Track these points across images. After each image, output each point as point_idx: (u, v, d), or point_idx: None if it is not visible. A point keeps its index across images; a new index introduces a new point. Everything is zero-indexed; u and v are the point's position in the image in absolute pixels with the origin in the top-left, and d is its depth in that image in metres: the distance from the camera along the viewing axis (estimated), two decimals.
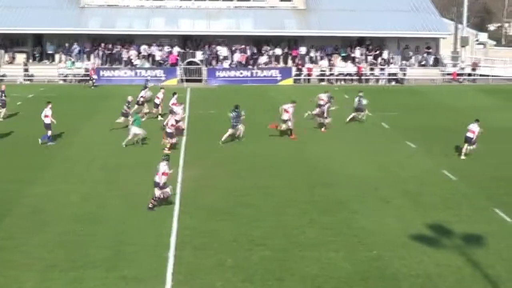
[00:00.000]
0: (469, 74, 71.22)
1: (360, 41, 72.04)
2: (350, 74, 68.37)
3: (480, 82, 69.94)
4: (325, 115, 41.09)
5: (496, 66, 75.31)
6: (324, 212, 25.14)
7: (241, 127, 37.08)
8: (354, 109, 43.49)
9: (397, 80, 68.67)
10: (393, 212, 25.33)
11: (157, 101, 45.36)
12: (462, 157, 34.30)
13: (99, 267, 19.89)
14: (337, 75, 68.09)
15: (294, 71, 67.37)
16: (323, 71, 68.53)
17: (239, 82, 64.50)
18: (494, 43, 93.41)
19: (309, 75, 68.05)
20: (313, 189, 28.29)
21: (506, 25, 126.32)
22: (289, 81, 65.79)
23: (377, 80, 68.80)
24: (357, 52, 70.53)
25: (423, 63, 71.63)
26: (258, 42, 70.64)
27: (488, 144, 37.01)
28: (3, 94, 44.54)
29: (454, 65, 73.32)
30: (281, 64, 69.33)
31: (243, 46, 69.55)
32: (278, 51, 70.09)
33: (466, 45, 76.43)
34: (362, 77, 68.19)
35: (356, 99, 43.58)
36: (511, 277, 19.35)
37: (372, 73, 69.04)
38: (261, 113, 45.10)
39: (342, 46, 71.18)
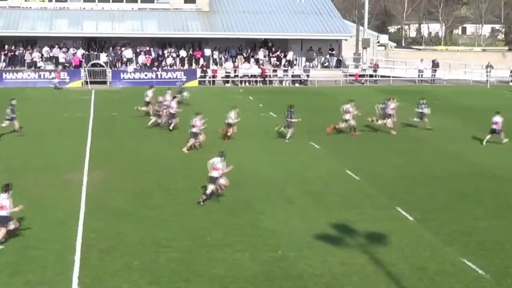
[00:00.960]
0: (371, 75, 72.58)
1: (264, 43, 72.64)
2: (254, 76, 68.82)
3: (381, 83, 71.38)
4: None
5: (396, 67, 76.91)
6: (230, 213, 25.28)
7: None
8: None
9: (300, 82, 69.46)
10: (297, 212, 25.65)
11: (147, 99, 46.05)
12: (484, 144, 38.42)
13: (3, 271, 19.57)
14: (241, 77, 68.47)
15: (199, 73, 67.43)
16: (228, 72, 68.82)
17: (144, 84, 64.14)
18: (395, 44, 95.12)
19: (214, 76, 68.24)
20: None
21: (406, 27, 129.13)
22: (194, 83, 65.81)
23: (281, 82, 69.42)
24: (261, 54, 71.08)
25: (326, 64, 72.67)
26: (163, 44, 70.51)
27: (389, 144, 37.93)
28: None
29: (356, 67, 74.59)
30: (186, 66, 69.32)
31: (147, 48, 69.29)
32: (182, 53, 70.07)
33: (368, 46, 77.81)
34: (266, 79, 68.72)
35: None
36: (414, 274, 19.80)
37: (276, 75, 69.62)
38: None
39: (246, 47, 71.64)
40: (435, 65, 75.12)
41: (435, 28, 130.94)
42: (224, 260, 20.66)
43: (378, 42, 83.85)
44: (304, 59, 72.48)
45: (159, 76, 65.58)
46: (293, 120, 39.22)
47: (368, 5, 79.87)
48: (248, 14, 72.74)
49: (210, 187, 26.53)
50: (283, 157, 34.86)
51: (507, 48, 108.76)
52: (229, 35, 69.75)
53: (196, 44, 71.39)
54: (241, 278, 19.42)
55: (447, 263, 20.69)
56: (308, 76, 70.06)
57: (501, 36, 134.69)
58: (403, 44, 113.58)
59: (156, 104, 43.73)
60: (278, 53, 71.69)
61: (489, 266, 20.44)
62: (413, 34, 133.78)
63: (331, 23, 73.07)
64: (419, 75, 74.39)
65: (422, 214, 25.55)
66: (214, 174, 26.56)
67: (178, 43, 70.43)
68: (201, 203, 26.28)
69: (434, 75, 74.64)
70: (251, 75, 68.70)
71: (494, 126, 38.68)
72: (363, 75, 72.00)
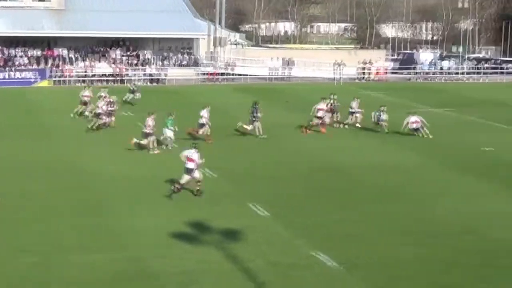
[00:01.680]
0: (226, 74, 73.27)
1: (119, 42, 72.16)
2: (111, 75, 68.26)
3: (237, 81, 72.18)
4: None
5: (250, 65, 77.95)
6: (84, 215, 25.12)
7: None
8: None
9: (156, 80, 69.40)
10: (153, 211, 25.74)
11: (86, 99, 45.65)
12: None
13: None
14: (95, 76, 67.76)
15: (51, 72, 66.27)
16: (81, 72, 67.95)
17: None
18: (249, 43, 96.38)
19: (67, 76, 67.23)
20: (71, 192, 28.15)
21: (259, 26, 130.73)
22: (46, 83, 64.64)
23: (137, 81, 69.16)
24: (116, 53, 70.58)
25: (181, 63, 72.87)
26: (15, 43, 68.90)
27: (246, 142, 38.53)
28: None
29: (211, 65, 75.15)
30: (39, 65, 67.99)
31: None
32: (35, 52, 68.70)
33: (222, 45, 78.52)
34: (121, 78, 68.30)
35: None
36: (269, 269, 20.20)
37: (131, 74, 69.29)
38: (21, 115, 44.16)
39: (100, 46, 70.97)
40: (289, 63, 76.58)
41: (288, 26, 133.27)
42: (81, 263, 20.50)
43: (233, 40, 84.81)
44: (159, 58, 72.44)
45: (9, 76, 64.03)
46: (259, 115, 40.05)
47: (222, 4, 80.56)
48: (103, 13, 72.03)
49: (185, 178, 27.29)
50: (137, 156, 34.83)
51: (356, 46, 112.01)
52: (83, 34, 69.00)
53: (50, 43, 70.12)
54: (99, 280, 19.37)
55: (300, 256, 21.31)
56: (164, 75, 70.08)
57: (350, 35, 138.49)
58: (257, 43, 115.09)
59: (106, 104, 42.59)
60: (133, 52, 71.37)
61: (340, 257, 21.16)
62: (266, 32, 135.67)
63: (186, 22, 73.38)
64: (272, 73, 75.68)
65: (275, 209, 26.17)
66: (190, 165, 27.31)
67: (30, 41, 69.01)
68: (174, 190, 27.12)
69: (290, 72, 76.11)
70: (108, 74, 68.09)
71: (414, 125, 41.20)
72: (218, 74, 72.60)
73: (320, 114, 42.42)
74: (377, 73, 78.68)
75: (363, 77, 77.61)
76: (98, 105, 41.62)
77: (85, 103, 45.90)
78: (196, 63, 73.57)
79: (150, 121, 35.94)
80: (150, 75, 69.50)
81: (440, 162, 35.30)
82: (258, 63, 78.27)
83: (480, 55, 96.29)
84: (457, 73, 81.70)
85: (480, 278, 19.99)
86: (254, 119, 40.22)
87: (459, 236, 23.56)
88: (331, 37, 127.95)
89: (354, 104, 44.80)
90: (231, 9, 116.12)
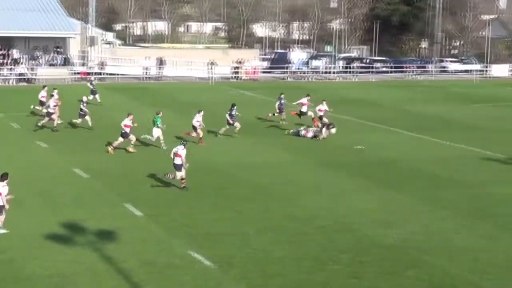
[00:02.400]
0: (98, 73, 72.37)
1: None
2: None
3: (109, 81, 71.41)
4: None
5: (123, 65, 77.25)
6: None
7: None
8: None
9: (26, 80, 67.91)
10: (26, 213, 25.20)
11: (42, 99, 46.34)
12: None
13: None
14: None
15: None
16: None
17: None
18: (121, 42, 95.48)
19: None
20: None
21: (132, 25, 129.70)
22: None
23: (6, 81, 67.51)
24: None
25: (52, 62, 71.53)
26: None
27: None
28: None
29: (83, 64, 74.07)
30: None
31: None
32: None
33: (94, 44, 77.51)
34: None
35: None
36: (144, 269, 20.11)
37: (1, 74, 67.62)
38: None
39: None
40: (161, 62, 76.31)
41: (160, 26, 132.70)
42: None
43: (105, 39, 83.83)
44: (29, 57, 70.90)
45: None
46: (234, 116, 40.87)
47: (93, 2, 79.50)
48: None
49: (179, 174, 28.62)
50: (11, 158, 34.04)
51: (228, 45, 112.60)
52: None
53: None
54: None
55: (175, 256, 21.30)
56: (34, 74, 68.62)
57: (223, 34, 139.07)
58: (129, 42, 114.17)
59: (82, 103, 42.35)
60: (2, 51, 69.58)
61: (215, 256, 21.27)
62: (138, 32, 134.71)
63: (57, 21, 72.07)
64: (145, 72, 75.28)
65: (150, 209, 26.08)
66: (177, 161, 28.50)
67: None
68: (185, 187, 28.73)
69: (161, 72, 75.82)
70: None
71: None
72: (90, 73, 71.61)
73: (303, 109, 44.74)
74: (253, 72, 79.22)
75: (236, 76, 78.05)
76: (49, 104, 41.56)
77: (42, 103, 46.26)
78: (67, 63, 72.35)
79: (127, 121, 35.98)
80: (21, 74, 67.92)
81: (313, 160, 35.89)
82: (130, 63, 77.64)
83: (352, 55, 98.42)
84: (328, 72, 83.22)
85: (352, 274, 20.43)
86: (231, 119, 40.90)
87: (331, 233, 24.02)
88: (203, 36, 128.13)
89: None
90: (103, 8, 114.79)
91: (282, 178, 31.88)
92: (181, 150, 28.63)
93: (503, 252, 22.62)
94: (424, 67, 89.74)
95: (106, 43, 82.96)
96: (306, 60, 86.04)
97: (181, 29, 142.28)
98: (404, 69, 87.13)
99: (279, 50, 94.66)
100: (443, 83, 79.37)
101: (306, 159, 36.12)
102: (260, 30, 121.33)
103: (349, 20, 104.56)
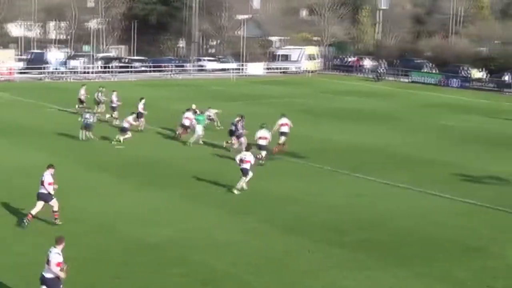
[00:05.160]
0: None
1: None
2: None
3: None
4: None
5: None
6: None
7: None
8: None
9: None
10: None
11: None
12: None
13: None
14: None
15: None
16: None
17: None
18: None
19: None
20: None
21: None
22: None
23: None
24: None
25: None
26: None
27: None
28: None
29: None
30: None
31: None
32: None
33: None
34: None
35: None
36: None
37: None
38: None
39: None
40: None
41: None
42: None
43: None
44: None
45: None
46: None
47: None
48: None
49: (243, 179, 30.12)
50: None
51: None
52: None
53: None
54: None
55: None
56: None
57: None
58: None
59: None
60: None
61: None
62: None
63: None
64: None
65: None
66: (246, 165, 29.88)
67: None
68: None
69: None
70: None
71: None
72: None
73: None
74: (9, 73, 76.67)
75: None
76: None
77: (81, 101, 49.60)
78: None
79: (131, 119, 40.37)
80: None
81: (72, 161, 35.29)
82: None
83: (110, 55, 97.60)
84: (87, 72, 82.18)
85: (116, 275, 20.51)
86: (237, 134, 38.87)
87: (93, 235, 23.89)
88: None
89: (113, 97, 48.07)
90: None
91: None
92: (248, 156, 30.04)
93: (263, 244, 23.50)
94: (183, 66, 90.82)
95: None
96: (64, 60, 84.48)
97: None
98: (163, 69, 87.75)
99: (36, 50, 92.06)
100: (202, 82, 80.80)
101: (64, 159, 35.23)
102: (15, 29, 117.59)
103: (107, 19, 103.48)
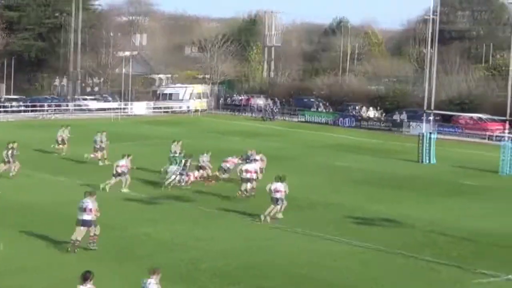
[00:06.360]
0: None
1: None
2: None
3: None
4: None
5: None
6: None
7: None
8: None
9: None
10: None
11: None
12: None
13: None
14: None
15: None
16: None
17: None
18: None
19: None
20: None
21: None
22: None
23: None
24: None
25: None
26: None
27: None
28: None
29: None
30: None
31: None
32: None
33: None
34: None
35: None
36: None
37: None
38: None
39: None
40: None
41: None
42: None
43: None
44: None
45: None
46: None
47: None
48: None
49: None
50: None
51: None
52: None
53: None
54: None
55: None
56: None
57: None
58: None
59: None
60: None
61: None
62: None
63: None
64: None
65: None
66: (277, 195, 31.27)
67: None
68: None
69: None
70: None
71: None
72: None
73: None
74: None
75: None
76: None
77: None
78: None
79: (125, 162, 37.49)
80: None
81: None
82: None
83: None
84: None
85: None
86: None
87: None
88: None
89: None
90: None
91: None
92: (281, 185, 31.19)
93: None
94: (60, 105, 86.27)
95: None
96: None
97: None
98: (39, 108, 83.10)
99: None
100: (83, 122, 76.20)
101: None
102: None
103: None
